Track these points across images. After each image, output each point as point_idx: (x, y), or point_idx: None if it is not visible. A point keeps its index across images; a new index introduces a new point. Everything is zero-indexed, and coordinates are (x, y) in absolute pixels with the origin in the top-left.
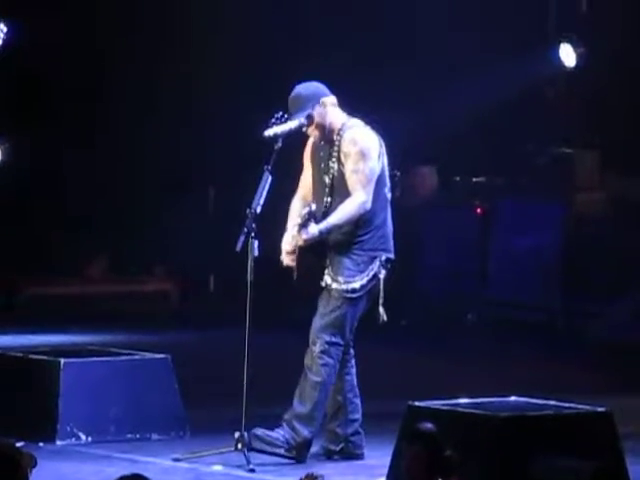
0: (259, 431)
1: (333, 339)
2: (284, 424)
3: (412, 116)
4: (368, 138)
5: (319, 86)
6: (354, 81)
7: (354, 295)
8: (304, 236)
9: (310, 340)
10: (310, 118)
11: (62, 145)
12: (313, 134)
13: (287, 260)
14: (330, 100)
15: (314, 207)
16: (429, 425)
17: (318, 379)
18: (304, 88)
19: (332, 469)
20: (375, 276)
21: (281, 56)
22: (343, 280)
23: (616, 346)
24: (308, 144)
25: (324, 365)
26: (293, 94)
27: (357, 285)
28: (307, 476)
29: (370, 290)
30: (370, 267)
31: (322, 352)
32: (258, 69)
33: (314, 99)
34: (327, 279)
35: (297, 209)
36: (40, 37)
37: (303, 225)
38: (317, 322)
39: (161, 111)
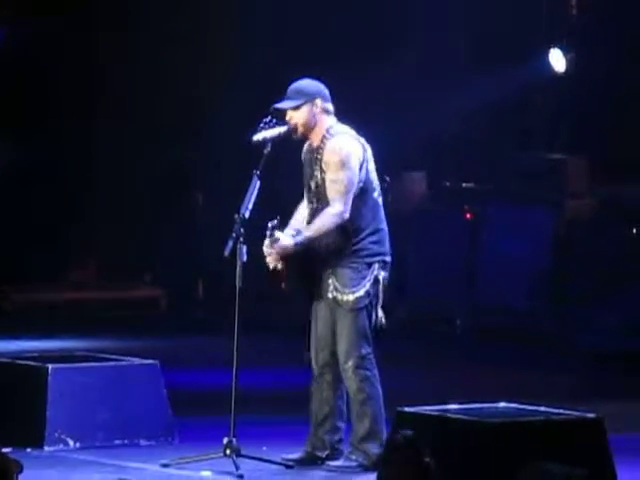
0: (335, 466)
1: (363, 351)
2: (352, 449)
3: (402, 122)
4: (349, 147)
5: (322, 88)
6: (344, 86)
7: (362, 304)
8: (277, 248)
9: (323, 362)
10: (291, 130)
11: (52, 151)
12: (296, 130)
13: (274, 262)
14: (324, 105)
15: (275, 222)
16: (408, 433)
17: (363, 395)
18: (307, 82)
19: (321, 476)
20: (376, 279)
21: (272, 60)
22: (350, 291)
23: (605, 352)
24: (305, 145)
25: (363, 380)
26: (295, 83)
27: (362, 292)
28: None
29: (375, 294)
30: (369, 272)
31: (356, 368)
32: (252, 74)
33: (309, 96)
34: (334, 292)
35: (302, 210)
36: (35, 37)
37: (271, 237)
38: (340, 342)
39: (149, 117)
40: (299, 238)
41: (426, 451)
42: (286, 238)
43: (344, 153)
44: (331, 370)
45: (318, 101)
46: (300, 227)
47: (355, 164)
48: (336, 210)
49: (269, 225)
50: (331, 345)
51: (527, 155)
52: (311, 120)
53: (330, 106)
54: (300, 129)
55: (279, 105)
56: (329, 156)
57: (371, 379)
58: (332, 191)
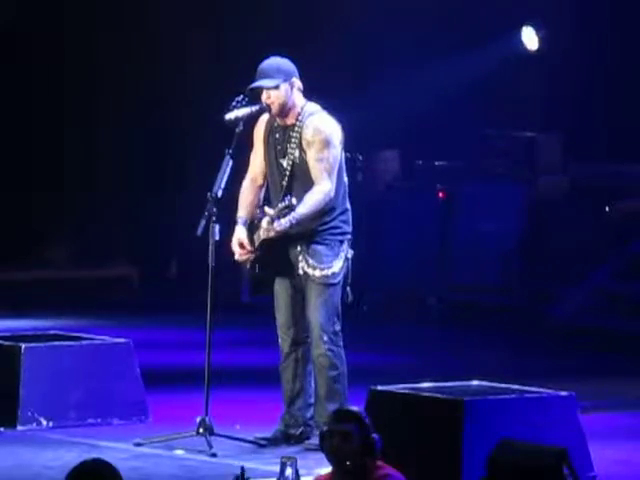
0: (309, 445)
1: (336, 327)
2: (323, 426)
3: (375, 101)
4: (331, 125)
5: (294, 67)
6: (315, 64)
7: (336, 280)
8: (278, 228)
9: (292, 340)
10: (264, 109)
11: (29, 132)
12: (273, 108)
13: (243, 257)
14: (299, 84)
15: (294, 200)
16: (357, 407)
17: (336, 372)
18: (282, 60)
19: (294, 454)
20: (346, 258)
21: (247, 42)
22: (324, 267)
23: (577, 329)
24: (260, 122)
25: (337, 356)
26: (268, 61)
27: (336, 269)
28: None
29: (346, 272)
30: (341, 249)
31: (331, 344)
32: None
33: (287, 75)
34: (305, 268)
35: (247, 195)
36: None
37: (278, 217)
38: (314, 317)
39: (129, 96)
40: (293, 217)
41: (373, 428)
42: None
43: (328, 132)
44: (300, 348)
45: (295, 80)
46: (266, 210)
47: (337, 142)
48: (326, 188)
49: (281, 206)
50: (300, 322)
51: (500, 133)
52: (288, 99)
53: (301, 84)
54: (277, 108)
55: (259, 83)
56: (312, 135)
57: (342, 356)
58: (318, 170)
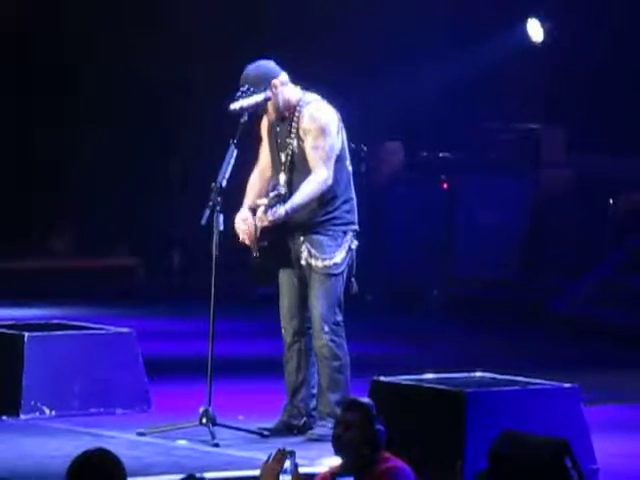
0: (312, 435)
1: (338, 318)
2: (326, 417)
3: (378, 91)
4: (327, 114)
5: (269, 66)
6: (319, 56)
7: (338, 270)
8: (270, 217)
9: (294, 331)
10: (269, 99)
11: (30, 122)
12: (268, 116)
13: (247, 236)
14: (280, 79)
15: (283, 190)
16: (366, 398)
17: (339, 362)
18: (254, 69)
19: (297, 444)
20: (350, 248)
21: (248, 36)
22: (327, 257)
23: (580, 322)
24: (265, 117)
25: (339, 347)
26: (243, 76)
27: (339, 259)
28: (278, 451)
29: (349, 263)
30: (344, 240)
31: (333, 334)
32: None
33: (265, 82)
34: (307, 259)
35: (255, 185)
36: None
37: (270, 206)
38: (315, 307)
39: (127, 86)
40: (288, 206)
41: (379, 419)
42: (278, 207)
43: (324, 120)
44: (303, 338)
45: (275, 80)
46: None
47: (334, 130)
48: (322, 176)
49: (272, 194)
50: (302, 313)
51: (504, 125)
52: (277, 100)
53: (285, 76)
54: (272, 114)
55: (240, 104)
56: (308, 123)
57: (344, 346)
58: (314, 158)
